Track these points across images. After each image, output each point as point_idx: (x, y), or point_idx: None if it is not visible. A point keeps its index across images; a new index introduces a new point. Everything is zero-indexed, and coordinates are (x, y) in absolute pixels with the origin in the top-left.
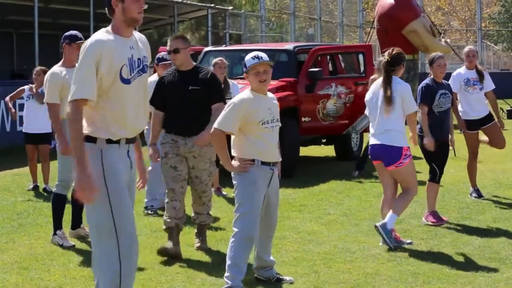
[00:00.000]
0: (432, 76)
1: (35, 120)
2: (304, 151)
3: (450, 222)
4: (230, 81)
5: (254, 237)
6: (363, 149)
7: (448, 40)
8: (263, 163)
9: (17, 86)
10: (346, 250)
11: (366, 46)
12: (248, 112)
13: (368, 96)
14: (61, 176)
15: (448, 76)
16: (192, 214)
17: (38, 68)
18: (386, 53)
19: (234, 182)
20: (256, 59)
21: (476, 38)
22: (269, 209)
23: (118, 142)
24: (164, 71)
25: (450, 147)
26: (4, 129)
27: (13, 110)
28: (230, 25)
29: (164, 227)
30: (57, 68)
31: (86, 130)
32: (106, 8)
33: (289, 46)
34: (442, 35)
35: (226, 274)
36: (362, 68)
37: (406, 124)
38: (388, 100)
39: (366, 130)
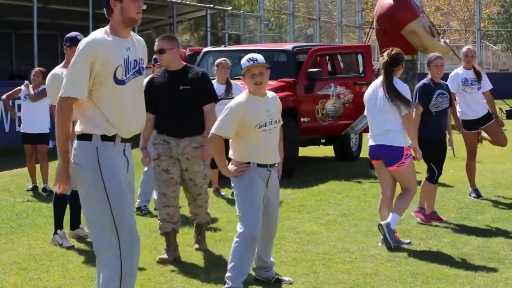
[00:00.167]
0: (430, 76)
1: (33, 120)
2: (303, 151)
3: (449, 222)
4: (233, 82)
5: (256, 237)
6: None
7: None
8: (259, 165)
9: (16, 87)
10: (345, 250)
11: (365, 47)
12: (245, 116)
13: (366, 96)
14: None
15: (446, 76)
16: (190, 214)
17: (36, 69)
18: (385, 53)
19: (232, 185)
20: (251, 61)
21: (475, 39)
22: (269, 210)
23: (113, 140)
24: None
25: (449, 147)
26: (3, 130)
27: (12, 110)
28: (229, 26)
29: (160, 232)
30: (58, 69)
31: (80, 127)
32: (104, 8)
33: (288, 46)
34: (441, 35)
35: (228, 274)
36: (361, 69)
37: None
38: (388, 100)
39: (365, 130)
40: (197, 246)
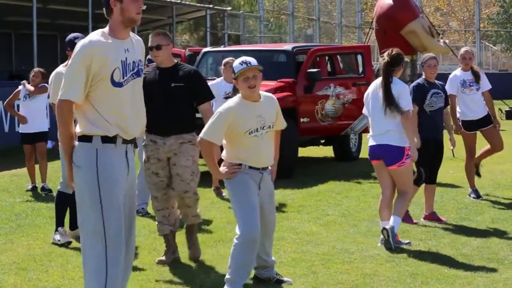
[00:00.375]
0: (424, 76)
1: (32, 119)
2: (303, 151)
3: (449, 223)
4: None
5: (256, 238)
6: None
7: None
8: (251, 167)
9: (16, 87)
10: (345, 251)
11: (365, 47)
12: (236, 121)
13: (366, 96)
14: (65, 174)
15: (445, 77)
16: (180, 217)
17: (36, 69)
18: (385, 54)
19: (226, 187)
20: (244, 64)
21: (474, 39)
22: (263, 212)
23: (114, 141)
24: None
25: (451, 147)
26: (3, 130)
27: (20, 115)
28: (229, 26)
29: (159, 233)
30: (61, 68)
31: (81, 128)
32: (103, 8)
33: (287, 46)
34: (440, 35)
35: (227, 276)
36: (360, 69)
37: None
38: (388, 100)
39: (365, 130)
40: (190, 254)
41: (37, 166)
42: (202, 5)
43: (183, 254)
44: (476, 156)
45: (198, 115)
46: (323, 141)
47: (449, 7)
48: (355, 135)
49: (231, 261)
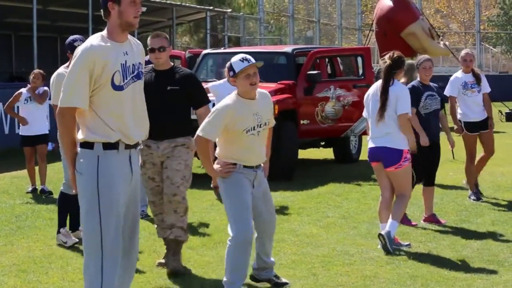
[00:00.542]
0: (418, 79)
1: (32, 122)
2: (303, 153)
3: (449, 225)
4: None
5: (250, 239)
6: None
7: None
8: (245, 166)
9: (16, 89)
10: (345, 253)
11: (365, 49)
12: (233, 120)
13: (367, 98)
14: (67, 176)
15: (443, 79)
16: (168, 231)
17: (36, 71)
18: (387, 57)
19: (219, 187)
20: (246, 61)
21: (474, 41)
22: (259, 211)
23: (117, 147)
24: None
25: (450, 148)
26: (3, 132)
27: (20, 117)
28: (229, 28)
29: (158, 235)
30: (62, 69)
31: (82, 135)
32: (101, 11)
33: (287, 48)
34: (440, 37)
35: (225, 279)
36: (360, 71)
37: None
38: (383, 106)
39: (365, 132)
40: (169, 266)
41: (37, 168)
42: (202, 7)
43: (183, 256)
44: (475, 168)
45: (193, 117)
46: (323, 143)
47: (449, 9)
48: (355, 137)
49: (227, 263)
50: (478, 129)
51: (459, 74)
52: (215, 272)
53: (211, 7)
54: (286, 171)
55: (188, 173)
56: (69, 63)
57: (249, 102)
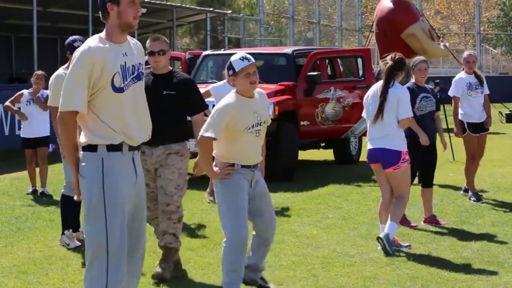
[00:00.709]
0: (413, 80)
1: (33, 124)
2: (303, 155)
3: (449, 226)
4: None
5: (245, 240)
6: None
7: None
8: (243, 166)
9: (16, 90)
10: (345, 254)
11: (365, 50)
12: (234, 119)
13: (366, 99)
14: (68, 178)
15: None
16: (160, 237)
17: (39, 72)
18: (388, 58)
19: (215, 187)
20: (246, 60)
21: (475, 42)
22: (259, 211)
23: (120, 149)
24: None
25: (443, 149)
26: (3, 133)
27: (20, 113)
28: (229, 29)
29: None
30: (61, 70)
31: (85, 139)
32: (100, 11)
33: (288, 50)
34: (441, 39)
35: (224, 280)
36: (361, 72)
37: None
38: (380, 108)
39: (365, 134)
40: (158, 272)
41: (37, 170)
42: (202, 8)
43: (183, 257)
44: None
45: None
46: (323, 144)
47: (449, 10)
48: (355, 138)
49: (223, 264)
50: (479, 130)
51: (463, 75)
52: (215, 273)
53: (211, 9)
54: (286, 172)
55: (182, 181)
56: (68, 64)
57: (249, 101)
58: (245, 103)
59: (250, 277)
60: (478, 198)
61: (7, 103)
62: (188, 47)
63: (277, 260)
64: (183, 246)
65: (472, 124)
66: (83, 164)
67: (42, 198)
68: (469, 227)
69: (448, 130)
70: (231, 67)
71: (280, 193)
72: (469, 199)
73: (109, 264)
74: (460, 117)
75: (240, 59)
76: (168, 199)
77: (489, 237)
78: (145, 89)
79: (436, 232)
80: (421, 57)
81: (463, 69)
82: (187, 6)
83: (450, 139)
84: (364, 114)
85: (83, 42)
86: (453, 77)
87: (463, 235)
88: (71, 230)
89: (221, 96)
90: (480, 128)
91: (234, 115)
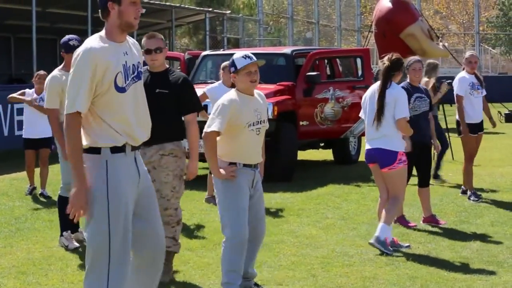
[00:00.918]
0: (408, 80)
1: (35, 125)
2: (302, 155)
3: (448, 226)
4: None
5: (245, 240)
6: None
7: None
8: (245, 165)
9: (15, 91)
10: (344, 254)
11: (364, 50)
12: (236, 113)
13: (364, 100)
14: (65, 179)
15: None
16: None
17: (41, 72)
18: (385, 58)
19: (216, 186)
20: (248, 59)
21: (474, 42)
22: (256, 212)
23: (124, 150)
24: None
25: (434, 151)
26: (2, 134)
27: (26, 99)
28: (228, 29)
29: None
30: (57, 72)
31: (87, 141)
32: (99, 10)
33: (287, 50)
34: (440, 38)
35: (223, 280)
36: (360, 72)
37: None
38: (380, 109)
39: (364, 134)
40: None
41: (37, 170)
42: (202, 8)
43: (183, 257)
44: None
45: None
46: (322, 144)
47: (448, 10)
48: (354, 138)
49: (223, 265)
50: (477, 131)
51: (465, 74)
52: (215, 274)
53: (210, 9)
54: (285, 172)
55: (178, 183)
56: (63, 64)
57: (250, 98)
58: (246, 100)
59: (244, 285)
60: (477, 197)
61: (11, 96)
62: (187, 48)
63: (277, 260)
64: (182, 247)
65: (470, 125)
66: (86, 165)
67: (41, 199)
68: (468, 226)
69: (448, 130)
70: (233, 64)
71: (279, 193)
72: (469, 198)
73: (111, 267)
74: (458, 117)
75: (242, 57)
76: (165, 203)
77: (488, 237)
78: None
79: (435, 232)
80: (416, 57)
81: (464, 69)
82: (186, 6)
83: (449, 139)
84: (361, 114)
85: (78, 41)
86: (452, 77)
87: (463, 235)
88: (69, 231)
89: (217, 97)
90: (478, 128)
91: (236, 109)
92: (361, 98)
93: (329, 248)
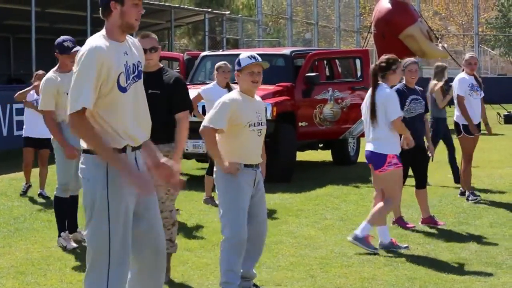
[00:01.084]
0: (404, 82)
1: (36, 124)
2: (301, 156)
3: (447, 227)
4: (233, 86)
5: (244, 240)
6: None
7: (445, 45)
8: (246, 165)
9: (15, 91)
10: (343, 254)
11: (363, 51)
12: (237, 112)
13: (364, 102)
14: (60, 180)
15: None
16: None
17: (41, 72)
18: (378, 61)
19: (217, 186)
20: (253, 59)
21: (473, 43)
22: (257, 212)
23: (124, 151)
24: None
25: (429, 154)
26: (1, 134)
27: (29, 88)
28: (227, 30)
29: None
30: (52, 73)
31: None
32: (100, 9)
33: (286, 51)
34: (439, 40)
35: (222, 280)
36: (359, 73)
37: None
38: (372, 112)
39: (363, 135)
40: None
41: (37, 171)
42: (201, 9)
43: (182, 258)
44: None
45: (193, 119)
46: (321, 145)
47: (447, 11)
48: (353, 139)
49: (221, 264)
50: (476, 132)
51: (465, 75)
52: (213, 274)
53: (209, 9)
54: (284, 173)
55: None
56: (58, 66)
57: (251, 99)
58: (247, 100)
59: (242, 286)
60: (476, 197)
61: (19, 95)
62: (186, 48)
63: (275, 261)
64: (181, 247)
65: (468, 126)
66: (85, 167)
67: (40, 199)
68: (467, 228)
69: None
70: (238, 62)
71: (278, 194)
72: (467, 199)
73: (110, 267)
74: (456, 118)
75: (248, 57)
76: (160, 205)
77: (487, 238)
78: None
79: (434, 233)
80: (412, 59)
81: (463, 70)
82: (186, 7)
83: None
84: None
85: (73, 42)
86: (452, 78)
87: (461, 236)
88: (67, 232)
89: (212, 98)
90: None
91: (237, 108)
92: (360, 99)
93: (327, 248)
